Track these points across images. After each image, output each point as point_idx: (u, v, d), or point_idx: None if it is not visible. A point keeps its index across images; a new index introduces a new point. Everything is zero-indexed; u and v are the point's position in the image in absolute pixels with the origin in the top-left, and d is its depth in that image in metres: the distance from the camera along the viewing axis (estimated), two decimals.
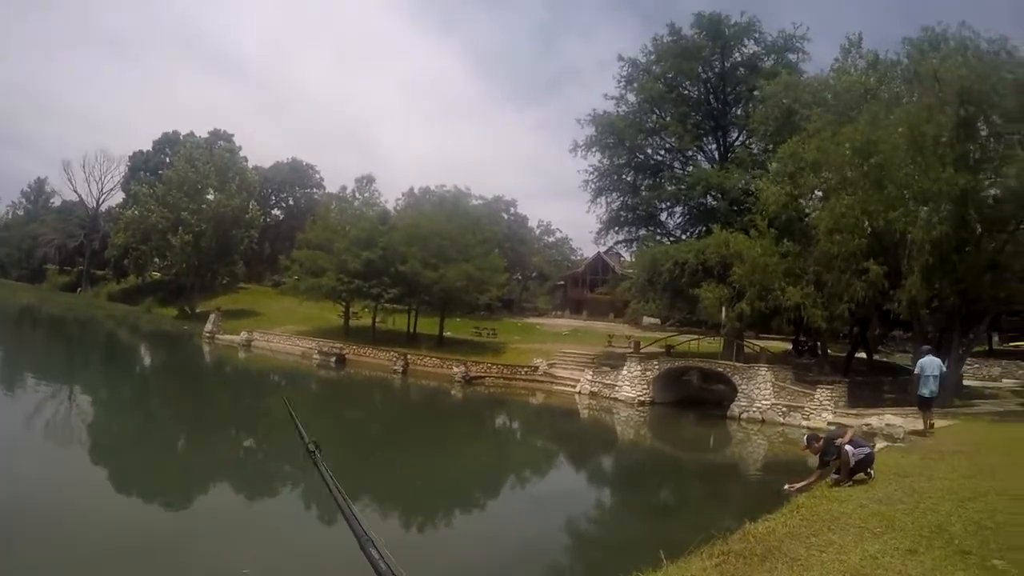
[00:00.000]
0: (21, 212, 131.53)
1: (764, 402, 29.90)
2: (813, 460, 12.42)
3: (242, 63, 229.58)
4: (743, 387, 30.83)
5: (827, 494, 10.77)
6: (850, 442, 11.63)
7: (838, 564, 6.74)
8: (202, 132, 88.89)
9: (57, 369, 33.93)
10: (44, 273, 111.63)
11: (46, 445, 17.81)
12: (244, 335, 53.04)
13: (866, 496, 10.37)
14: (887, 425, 23.34)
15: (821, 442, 11.97)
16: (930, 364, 17.74)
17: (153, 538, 11.34)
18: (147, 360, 44.85)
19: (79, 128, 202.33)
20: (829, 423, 26.24)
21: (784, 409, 29.29)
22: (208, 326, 56.68)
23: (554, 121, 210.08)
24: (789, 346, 41.74)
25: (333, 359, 44.48)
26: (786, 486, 12.07)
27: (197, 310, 70.36)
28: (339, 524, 3.36)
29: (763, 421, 29.38)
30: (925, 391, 17.68)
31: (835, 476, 11.62)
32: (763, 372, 30.49)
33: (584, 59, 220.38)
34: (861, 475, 11.54)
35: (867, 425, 23.64)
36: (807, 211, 32.67)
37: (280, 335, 53.57)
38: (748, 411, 30.12)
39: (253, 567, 9.94)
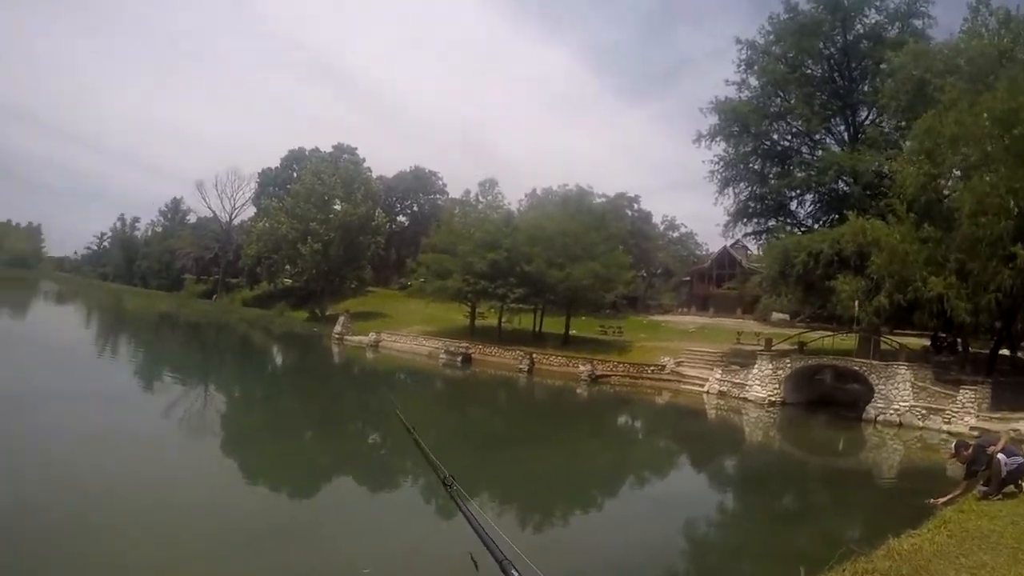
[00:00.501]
0: (159, 229, 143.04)
1: (902, 404, 28.13)
2: (955, 469, 11.46)
3: (360, 80, 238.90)
4: (880, 387, 29.10)
5: (976, 508, 9.94)
6: (1003, 450, 10.69)
7: None
8: (326, 147, 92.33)
9: (195, 369, 35.12)
10: (182, 282, 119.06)
11: (183, 438, 18.36)
12: (372, 336, 54.05)
13: (1019, 511, 9.55)
14: None
15: (970, 450, 11.07)
16: None
17: (278, 527, 11.46)
18: (279, 360, 46.23)
19: (210, 151, 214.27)
20: (972, 428, 24.63)
21: (923, 412, 27.58)
22: (337, 328, 58.19)
23: (672, 113, 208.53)
24: (927, 342, 39.06)
25: (459, 358, 44.70)
26: (931, 500, 11.22)
27: (327, 313, 72.89)
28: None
29: (900, 424, 27.66)
30: None
31: (983, 488, 10.72)
32: (902, 371, 28.72)
33: (697, 47, 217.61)
34: (1011, 488, 10.63)
35: (1015, 431, 21.93)
36: (947, 192, 30.30)
37: (407, 335, 54.31)
38: (885, 413, 28.41)
39: (373, 562, 9.84)
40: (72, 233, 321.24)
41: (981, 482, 10.84)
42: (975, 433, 20.53)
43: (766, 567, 11.22)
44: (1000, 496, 10.37)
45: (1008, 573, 6.63)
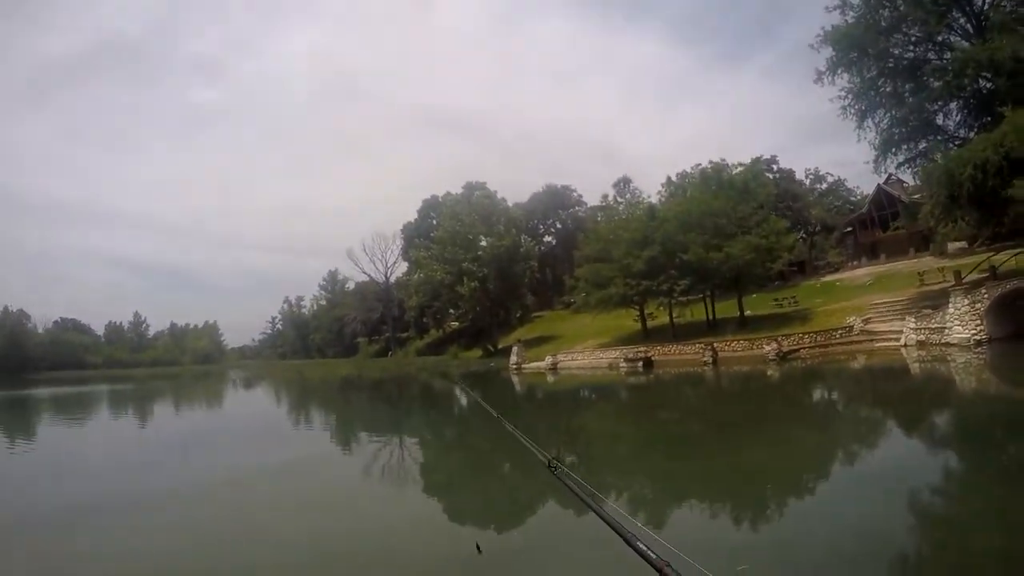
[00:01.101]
0: (323, 301, 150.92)
1: None
2: None
3: (470, 118, 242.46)
4: None
5: None
6: None
7: None
8: (456, 189, 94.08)
9: (386, 422, 35.71)
10: (356, 346, 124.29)
11: (384, 487, 18.89)
12: (549, 359, 54.38)
13: None
14: None
15: None
16: None
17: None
18: (463, 399, 47.24)
19: (348, 222, 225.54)
20: None
21: None
22: (513, 358, 58.76)
23: (780, 65, 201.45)
24: None
25: (640, 363, 44.37)
26: None
27: (499, 346, 74.38)
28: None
29: None
30: None
31: None
32: None
33: None
34: None
35: None
36: None
37: (582, 352, 54.51)
38: None
39: None
40: (248, 325, 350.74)
41: None
42: None
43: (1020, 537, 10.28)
44: None
45: None
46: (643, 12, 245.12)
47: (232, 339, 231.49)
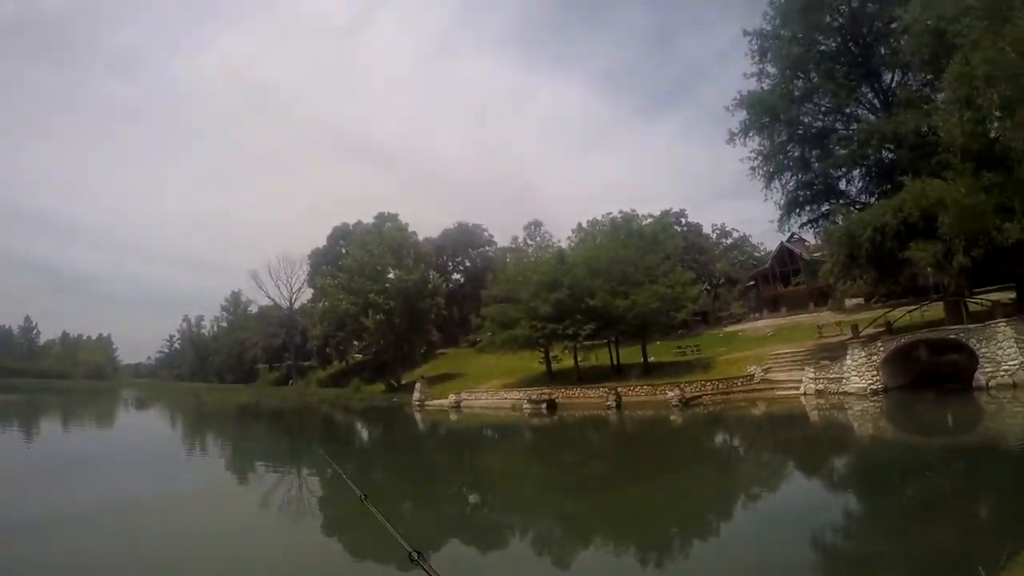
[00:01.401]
0: (224, 323, 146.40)
1: (1011, 363, 27.08)
2: None
3: (388, 149, 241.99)
4: (983, 351, 28.05)
5: None
6: None
7: None
8: (368, 218, 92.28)
9: (283, 454, 35.04)
10: (256, 373, 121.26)
11: (281, 523, 18.30)
12: (452, 397, 54.00)
13: None
14: None
15: None
16: None
17: None
18: (366, 434, 46.30)
19: (256, 242, 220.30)
20: None
21: None
22: (416, 395, 58.32)
23: (696, 124, 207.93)
24: (1012, 295, 37.32)
25: (543, 405, 44.33)
26: None
27: (402, 381, 73.44)
28: None
29: (1015, 385, 26.55)
30: None
31: None
32: (1002, 328, 27.69)
33: (702, 54, 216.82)
34: None
35: None
36: (996, 134, 28.99)
37: (486, 391, 54.29)
38: (996, 377, 27.32)
39: None
40: (143, 340, 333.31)
41: None
42: None
43: (923, 572, 10.57)
44: None
45: None
46: (569, 62, 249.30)
47: (127, 355, 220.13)
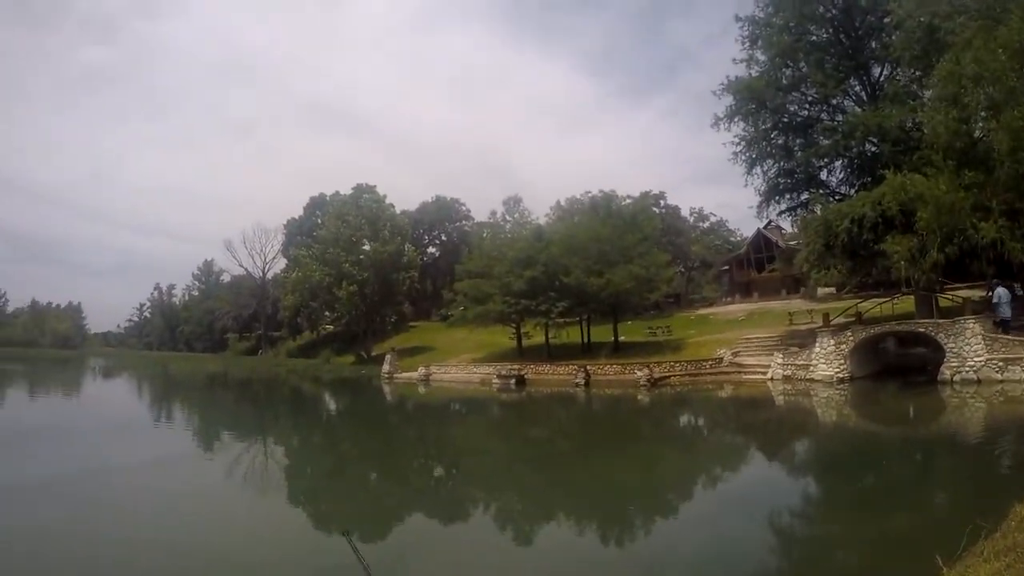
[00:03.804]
0: (196, 292, 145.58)
1: (976, 359, 27.10)
2: None
3: (368, 119, 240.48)
4: (950, 345, 28.04)
5: None
6: None
7: None
8: (346, 189, 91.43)
9: (251, 425, 34.82)
10: (226, 342, 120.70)
11: (247, 494, 18.10)
12: (421, 370, 53.76)
13: None
14: None
15: None
16: None
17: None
18: (333, 406, 45.93)
19: (231, 211, 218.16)
20: None
21: (1000, 364, 26.54)
22: (385, 367, 58.18)
23: (679, 107, 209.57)
24: (984, 292, 37.86)
25: (512, 381, 44.24)
26: None
27: (373, 353, 73.15)
28: None
29: (979, 381, 26.61)
30: None
31: None
32: (970, 325, 27.67)
33: (691, 38, 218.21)
34: None
35: None
36: (981, 133, 29.08)
37: (456, 365, 54.16)
38: (960, 372, 27.35)
39: None
40: (116, 308, 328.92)
41: None
42: None
43: (880, 559, 10.48)
44: None
45: None
46: (556, 39, 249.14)
47: (96, 324, 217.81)
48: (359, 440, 29.84)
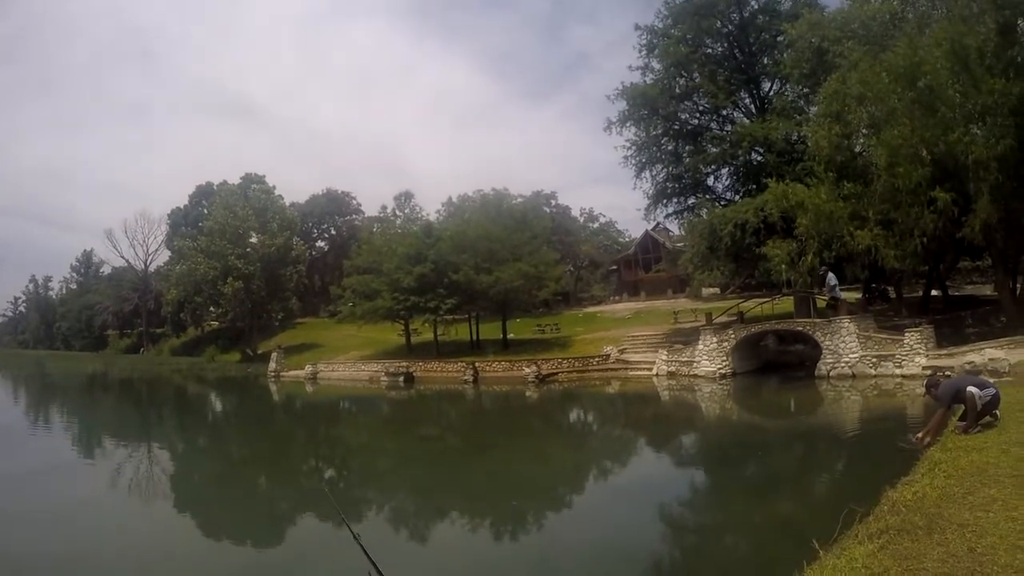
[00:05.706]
0: (74, 285, 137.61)
1: (852, 356, 28.52)
2: (919, 407, 11.57)
3: (261, 108, 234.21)
4: (827, 343, 29.44)
5: (960, 444, 9.85)
6: (975, 384, 10.91)
7: (1011, 523, 6.05)
8: (234, 179, 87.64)
9: (134, 429, 33.59)
10: (106, 339, 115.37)
11: (131, 501, 17.63)
12: (309, 368, 52.98)
13: (1003, 440, 9.54)
14: (990, 360, 22.40)
15: (939, 387, 11.28)
16: None
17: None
18: (218, 406, 44.84)
19: (115, 198, 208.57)
20: (924, 368, 25.15)
21: (874, 360, 27.98)
22: (272, 365, 56.96)
23: (576, 110, 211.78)
24: (859, 295, 40.14)
25: (401, 378, 44.14)
26: (914, 437, 11.47)
27: (259, 351, 71.25)
28: None
29: (853, 376, 27.98)
30: None
31: (960, 423, 10.81)
32: (845, 324, 29.10)
33: (592, 43, 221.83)
34: (987, 418, 10.72)
35: (970, 363, 22.68)
36: (861, 149, 30.89)
37: (344, 363, 53.54)
38: (836, 367, 28.72)
39: None
40: None
41: (957, 418, 11.04)
42: (928, 372, 20.97)
43: (763, 544, 11.05)
44: (979, 429, 10.37)
45: (1021, 503, 6.56)
46: (457, 39, 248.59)
47: None
48: (246, 442, 29.20)
